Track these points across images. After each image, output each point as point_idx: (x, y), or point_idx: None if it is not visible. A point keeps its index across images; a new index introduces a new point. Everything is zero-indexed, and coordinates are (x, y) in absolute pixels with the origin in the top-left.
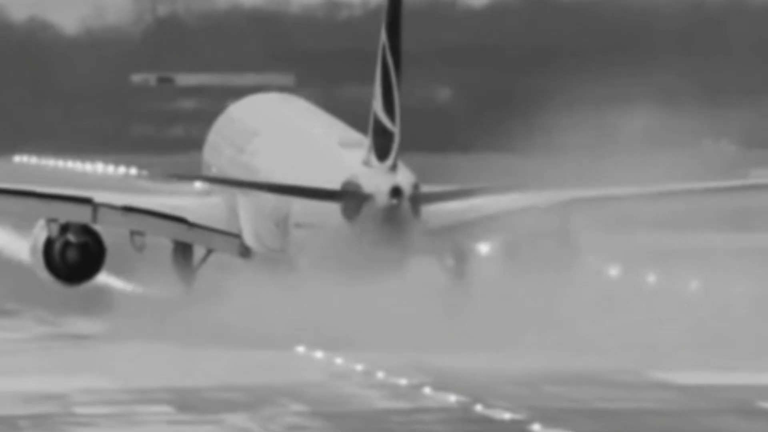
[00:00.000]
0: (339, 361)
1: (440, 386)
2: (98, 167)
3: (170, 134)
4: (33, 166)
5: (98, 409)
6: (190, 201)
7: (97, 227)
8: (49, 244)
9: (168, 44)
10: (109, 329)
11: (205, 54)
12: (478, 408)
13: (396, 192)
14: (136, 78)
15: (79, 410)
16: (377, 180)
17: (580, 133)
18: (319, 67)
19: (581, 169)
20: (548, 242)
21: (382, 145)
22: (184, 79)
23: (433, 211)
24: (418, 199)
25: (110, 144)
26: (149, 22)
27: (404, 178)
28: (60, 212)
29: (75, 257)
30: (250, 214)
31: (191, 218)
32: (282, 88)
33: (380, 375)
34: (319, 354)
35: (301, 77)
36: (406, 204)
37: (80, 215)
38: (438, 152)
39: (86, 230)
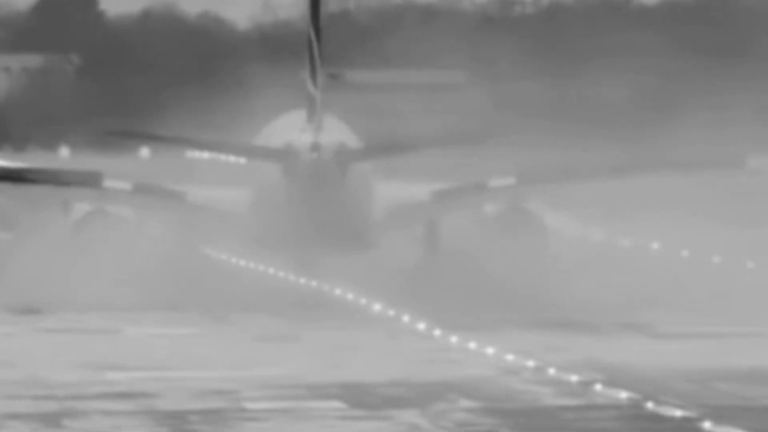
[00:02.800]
0: (510, 357)
1: (612, 383)
2: None
3: None
4: (205, 161)
5: (269, 404)
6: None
7: None
8: None
9: (338, 40)
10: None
11: (376, 50)
12: (649, 405)
13: (315, 147)
14: (305, 74)
15: (249, 405)
16: (302, 139)
17: None
18: (491, 65)
19: None
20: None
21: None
22: (353, 75)
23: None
24: (341, 155)
25: None
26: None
27: (326, 136)
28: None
29: None
30: None
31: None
32: (452, 85)
33: (551, 371)
34: (490, 350)
35: (473, 74)
36: (326, 156)
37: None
38: None
39: None
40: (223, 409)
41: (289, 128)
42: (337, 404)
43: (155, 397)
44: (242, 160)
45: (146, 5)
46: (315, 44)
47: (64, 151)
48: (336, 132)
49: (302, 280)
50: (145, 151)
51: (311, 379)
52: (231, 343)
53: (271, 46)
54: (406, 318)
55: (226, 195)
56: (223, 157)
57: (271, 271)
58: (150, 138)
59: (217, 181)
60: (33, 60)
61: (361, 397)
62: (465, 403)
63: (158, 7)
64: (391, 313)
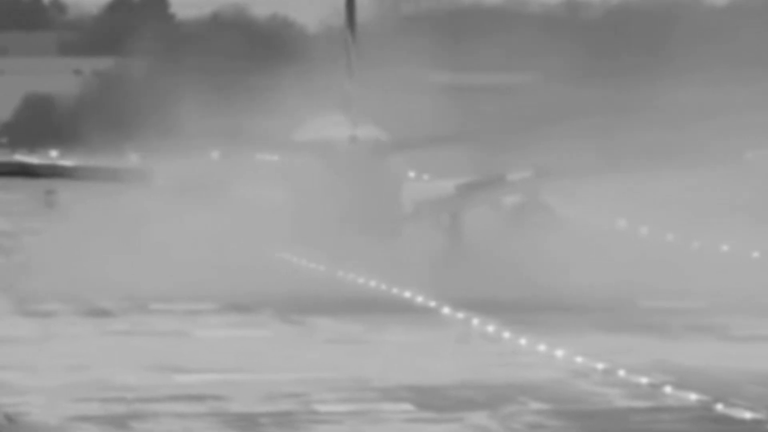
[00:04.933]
0: (579, 359)
1: (682, 385)
2: None
3: None
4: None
5: (339, 406)
6: None
7: None
8: None
9: (408, 42)
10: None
11: (445, 53)
12: (719, 407)
13: (353, 139)
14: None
15: (320, 408)
16: (340, 133)
17: None
18: (560, 66)
19: None
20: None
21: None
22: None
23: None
24: (378, 146)
25: None
26: (393, 21)
27: (361, 131)
28: None
29: None
30: None
31: None
32: (526, 86)
33: (621, 373)
34: (559, 352)
35: (546, 76)
36: (363, 148)
37: None
38: None
39: None
40: (293, 412)
41: (325, 125)
42: (407, 407)
43: (225, 399)
44: (281, 158)
45: (216, 8)
46: (351, 44)
47: (133, 154)
48: (370, 128)
49: (360, 280)
50: (215, 153)
51: (381, 382)
52: (301, 346)
53: (340, 49)
54: (475, 321)
55: (267, 191)
56: (267, 155)
57: (323, 268)
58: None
59: (259, 178)
60: (104, 62)
61: (431, 400)
62: (535, 405)
63: (228, 9)
64: (460, 315)
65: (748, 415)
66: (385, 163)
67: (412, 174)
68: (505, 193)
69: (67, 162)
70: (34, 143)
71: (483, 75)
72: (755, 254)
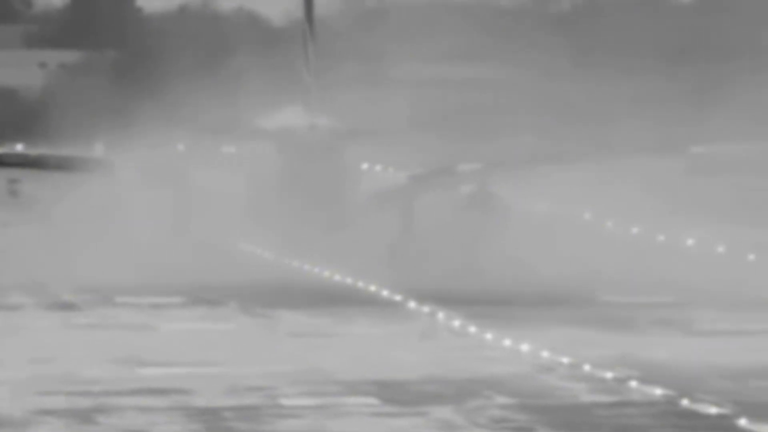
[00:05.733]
0: (545, 354)
1: (647, 380)
2: None
3: None
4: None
5: (304, 400)
6: None
7: None
8: None
9: (368, 35)
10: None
11: (406, 46)
12: (685, 402)
13: (311, 127)
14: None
15: (285, 402)
16: (298, 121)
17: None
18: (525, 59)
19: None
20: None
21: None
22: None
23: None
24: (333, 134)
25: None
26: (355, 13)
27: (319, 119)
28: None
29: None
30: None
31: None
32: (486, 79)
33: (586, 368)
34: (524, 346)
35: (509, 69)
36: (320, 135)
37: None
38: None
39: None
40: (258, 406)
41: (285, 115)
42: (371, 401)
43: (189, 393)
44: (237, 145)
45: (183, 1)
46: (309, 35)
47: (99, 147)
48: (327, 117)
49: (326, 273)
50: (181, 146)
51: (344, 376)
52: (264, 339)
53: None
54: (441, 315)
55: (223, 177)
56: (228, 145)
57: (288, 260)
58: None
59: (215, 165)
60: (70, 56)
61: (395, 395)
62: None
63: (195, 3)
64: (426, 309)
65: (713, 410)
66: (342, 151)
67: (365, 165)
68: (456, 183)
69: (31, 151)
70: None
71: (443, 67)
72: (720, 249)
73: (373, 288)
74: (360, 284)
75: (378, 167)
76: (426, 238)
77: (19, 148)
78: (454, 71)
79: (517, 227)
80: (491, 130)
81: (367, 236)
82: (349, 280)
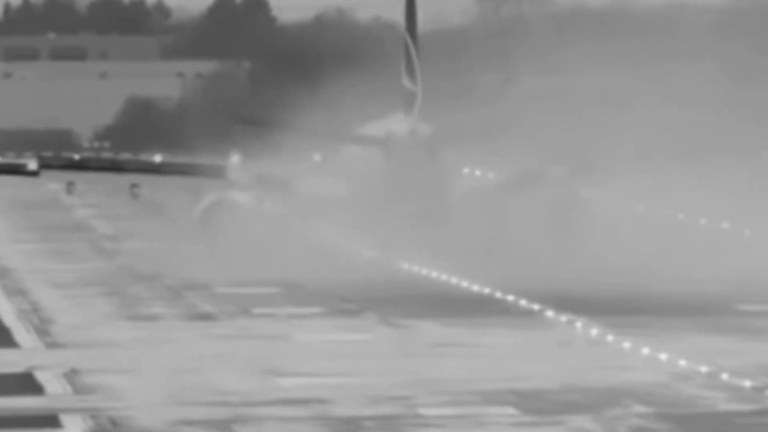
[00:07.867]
0: (683, 363)
1: None
2: None
3: None
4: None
5: (443, 410)
6: None
7: None
8: None
9: (512, 45)
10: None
11: (550, 55)
12: None
13: (412, 133)
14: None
15: (424, 411)
16: (400, 127)
17: None
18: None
19: None
20: None
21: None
22: (529, 82)
23: None
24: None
25: None
26: (493, 23)
27: (419, 126)
28: None
29: None
30: None
31: None
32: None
33: (724, 376)
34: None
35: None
36: (421, 141)
37: None
38: None
39: None
40: (397, 415)
41: (388, 122)
42: (510, 410)
43: (329, 403)
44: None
45: (318, 12)
46: (411, 43)
47: (235, 156)
48: (425, 124)
49: (464, 283)
50: (317, 156)
51: (485, 385)
52: (404, 349)
53: (443, 52)
54: (579, 324)
55: (329, 183)
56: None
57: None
58: (269, 125)
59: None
60: (206, 65)
61: (534, 404)
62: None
63: (331, 12)
64: (564, 318)
65: None
66: (439, 155)
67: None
68: (543, 186)
69: (152, 158)
70: (136, 146)
71: (542, 78)
72: None
73: (510, 297)
74: (497, 294)
75: (477, 172)
76: (527, 241)
77: (158, 158)
78: (556, 80)
79: (610, 231)
80: (579, 135)
81: (473, 239)
82: (480, 288)
